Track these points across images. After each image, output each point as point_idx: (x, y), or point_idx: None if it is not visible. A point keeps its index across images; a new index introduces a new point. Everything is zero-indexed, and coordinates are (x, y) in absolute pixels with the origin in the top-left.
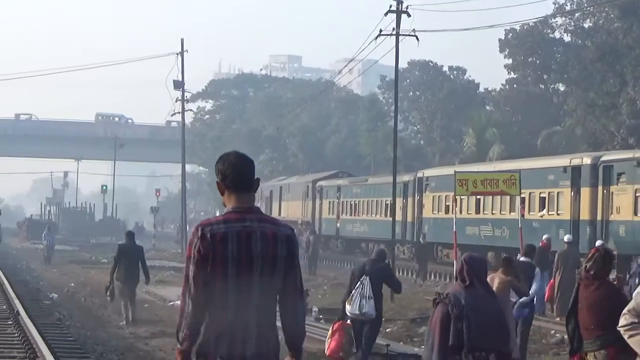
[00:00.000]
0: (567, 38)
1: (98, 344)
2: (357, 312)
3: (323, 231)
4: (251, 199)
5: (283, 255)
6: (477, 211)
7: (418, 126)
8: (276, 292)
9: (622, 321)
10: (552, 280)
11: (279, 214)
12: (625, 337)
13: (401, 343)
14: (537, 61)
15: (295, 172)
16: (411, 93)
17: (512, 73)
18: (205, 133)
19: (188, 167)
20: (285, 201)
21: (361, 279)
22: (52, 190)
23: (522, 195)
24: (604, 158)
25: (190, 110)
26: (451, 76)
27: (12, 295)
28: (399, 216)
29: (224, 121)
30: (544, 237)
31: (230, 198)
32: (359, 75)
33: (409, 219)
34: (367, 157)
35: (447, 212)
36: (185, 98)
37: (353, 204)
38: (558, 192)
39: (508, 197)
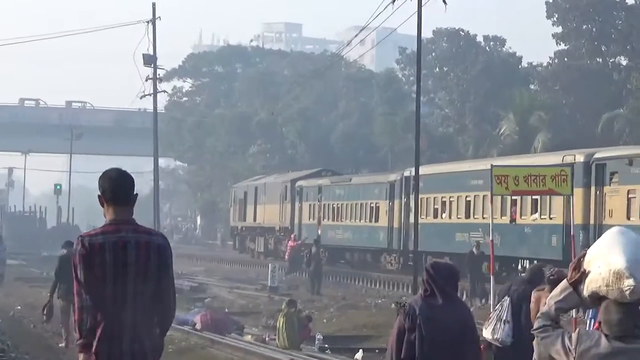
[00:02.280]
0: (630, 0)
1: None
2: (490, 336)
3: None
4: (129, 211)
5: (156, 262)
6: (467, 216)
7: (446, 110)
8: (150, 295)
9: (536, 324)
10: None
11: (254, 220)
12: (538, 339)
13: None
14: (594, 29)
15: (294, 166)
16: (437, 69)
17: (562, 44)
18: (183, 119)
19: (162, 162)
20: (260, 204)
21: (502, 300)
22: None
23: (514, 198)
24: (597, 155)
25: (164, 91)
26: (487, 48)
27: None
28: (384, 221)
29: (206, 104)
30: None
31: (109, 211)
32: (372, 47)
33: (396, 224)
34: (384, 149)
35: (435, 216)
36: (158, 76)
37: (335, 208)
38: (550, 196)
39: (499, 200)
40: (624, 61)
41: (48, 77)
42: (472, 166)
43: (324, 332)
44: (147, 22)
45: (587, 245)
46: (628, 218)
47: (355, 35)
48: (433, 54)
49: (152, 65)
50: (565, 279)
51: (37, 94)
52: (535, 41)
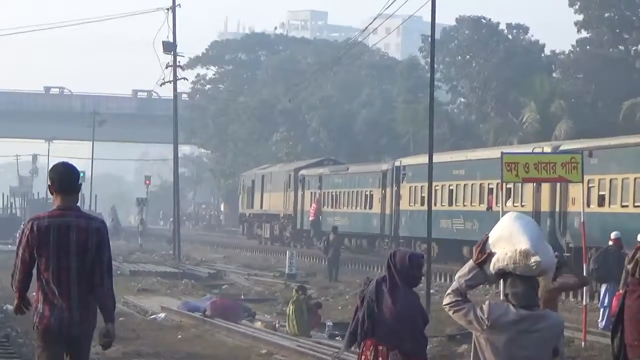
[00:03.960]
0: None
1: None
2: None
3: (304, 226)
4: (73, 199)
5: (94, 243)
6: (450, 203)
7: (468, 98)
8: (89, 272)
9: (446, 300)
10: (620, 291)
11: (261, 207)
12: (450, 313)
13: None
14: (616, 17)
15: (317, 154)
16: (459, 57)
17: (583, 32)
18: (206, 107)
19: (186, 149)
20: (267, 192)
21: None
22: (17, 177)
23: (491, 186)
24: (562, 147)
25: (184, 78)
26: (509, 36)
27: None
28: (377, 208)
29: (229, 92)
30: (614, 233)
31: (57, 199)
32: (387, 35)
33: (387, 211)
34: (406, 136)
35: (422, 204)
36: (179, 63)
37: (334, 195)
38: (522, 183)
39: (478, 188)
40: None
41: (71, 66)
42: (453, 157)
43: (337, 319)
44: (167, 9)
45: (554, 230)
46: (588, 205)
47: (380, 24)
48: (455, 41)
49: (172, 53)
50: (472, 260)
51: (60, 83)
52: (558, 29)
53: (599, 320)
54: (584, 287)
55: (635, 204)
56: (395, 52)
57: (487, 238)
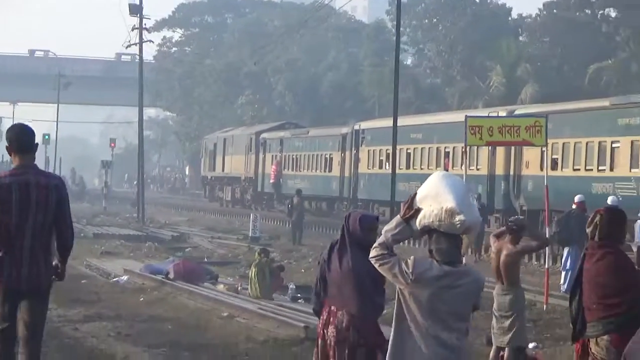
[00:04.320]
0: None
1: None
2: None
3: (266, 188)
4: (31, 158)
5: (54, 199)
6: (407, 167)
7: (435, 61)
8: (50, 226)
9: (373, 253)
10: None
11: (222, 169)
12: (376, 266)
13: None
14: None
15: (283, 117)
16: (426, 20)
17: None
18: (172, 70)
19: (152, 112)
20: (228, 155)
21: None
22: None
23: (447, 150)
24: (517, 112)
25: (150, 41)
26: None
27: None
28: (337, 171)
29: (196, 55)
30: (577, 197)
31: (15, 158)
32: None
33: (347, 174)
34: (372, 99)
35: (381, 167)
36: (144, 26)
37: (295, 158)
38: (477, 147)
39: (435, 151)
40: (613, 13)
41: (36, 28)
42: (411, 121)
43: (300, 282)
44: None
45: (508, 193)
46: (541, 169)
47: None
48: (422, 4)
49: (138, 15)
50: (399, 215)
51: (27, 44)
52: None
53: (561, 282)
54: (546, 250)
55: (587, 168)
56: (362, 15)
57: (415, 195)
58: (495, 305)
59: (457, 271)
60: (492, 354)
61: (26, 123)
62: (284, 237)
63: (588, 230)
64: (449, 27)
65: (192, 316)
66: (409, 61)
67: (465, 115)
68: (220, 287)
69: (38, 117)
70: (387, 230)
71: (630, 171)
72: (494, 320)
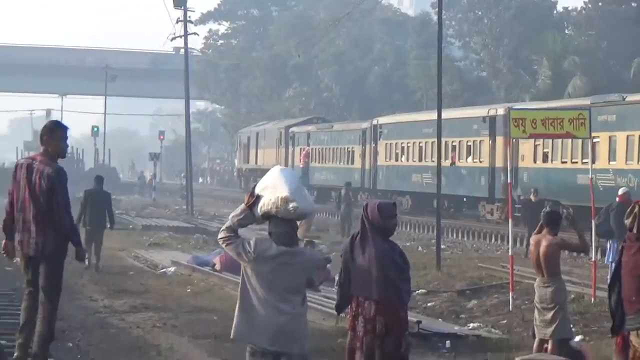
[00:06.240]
0: None
1: (61, 318)
2: None
3: None
4: (44, 149)
5: (46, 185)
6: (420, 159)
7: (481, 54)
8: (46, 208)
9: (220, 235)
10: None
11: (255, 162)
12: (224, 246)
13: (440, 320)
14: None
15: (330, 109)
16: (471, 13)
17: None
18: (218, 62)
19: (200, 104)
20: (261, 148)
21: None
22: (31, 132)
23: (454, 144)
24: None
25: (195, 34)
26: None
27: None
28: (358, 164)
29: (242, 48)
30: (621, 190)
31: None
32: None
33: (367, 166)
34: (418, 92)
35: (397, 159)
36: (189, 19)
37: (320, 151)
38: (480, 141)
39: (443, 145)
40: None
41: (89, 20)
42: (424, 117)
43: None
44: None
45: (507, 185)
46: (534, 162)
47: None
48: None
49: (182, 8)
50: (243, 203)
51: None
52: None
53: (609, 276)
54: (594, 243)
55: (573, 160)
56: (408, 9)
57: (256, 185)
58: (536, 298)
59: (293, 251)
60: (535, 346)
61: (75, 114)
62: (332, 229)
63: (627, 222)
64: (494, 20)
65: None
66: (455, 54)
67: (509, 108)
68: None
69: (87, 109)
70: (233, 215)
71: None
72: (536, 313)
